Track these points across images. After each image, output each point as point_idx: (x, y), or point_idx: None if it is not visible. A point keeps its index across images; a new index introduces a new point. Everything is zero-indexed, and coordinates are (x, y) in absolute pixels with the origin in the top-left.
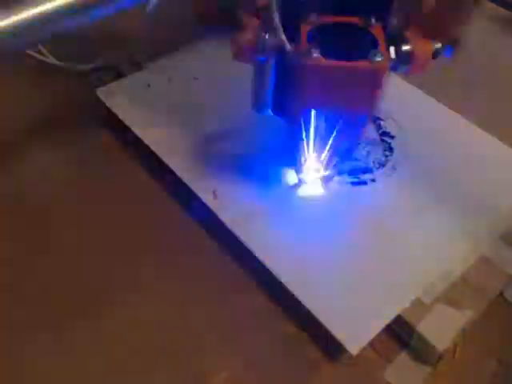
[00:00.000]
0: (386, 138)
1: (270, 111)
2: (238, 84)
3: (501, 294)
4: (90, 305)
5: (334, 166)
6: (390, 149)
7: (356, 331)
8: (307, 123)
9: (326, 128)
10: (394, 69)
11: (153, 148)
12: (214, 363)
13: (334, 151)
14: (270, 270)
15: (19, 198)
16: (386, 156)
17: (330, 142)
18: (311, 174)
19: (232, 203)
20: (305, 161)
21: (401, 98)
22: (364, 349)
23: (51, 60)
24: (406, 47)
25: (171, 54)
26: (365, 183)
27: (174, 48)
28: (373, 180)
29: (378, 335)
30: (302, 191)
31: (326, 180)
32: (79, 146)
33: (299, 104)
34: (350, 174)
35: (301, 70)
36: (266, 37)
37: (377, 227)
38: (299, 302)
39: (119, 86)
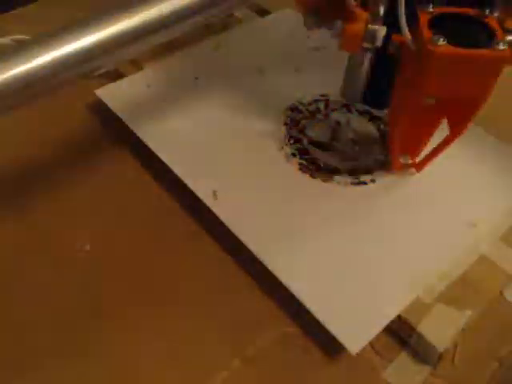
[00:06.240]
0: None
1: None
2: (238, 86)
3: (501, 293)
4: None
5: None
6: None
7: (356, 331)
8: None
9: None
10: None
11: (153, 148)
12: (214, 363)
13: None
14: (270, 270)
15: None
16: (386, 156)
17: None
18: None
19: (232, 203)
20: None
21: None
22: (364, 349)
23: None
24: (510, 37)
25: (171, 54)
26: (364, 183)
27: (174, 48)
28: (372, 180)
29: (378, 335)
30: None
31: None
32: (80, 147)
33: (414, 92)
34: (349, 174)
35: (426, 57)
36: (376, 28)
37: (376, 227)
38: (299, 302)
39: (119, 87)
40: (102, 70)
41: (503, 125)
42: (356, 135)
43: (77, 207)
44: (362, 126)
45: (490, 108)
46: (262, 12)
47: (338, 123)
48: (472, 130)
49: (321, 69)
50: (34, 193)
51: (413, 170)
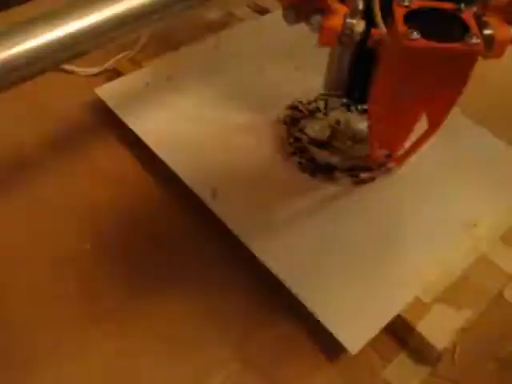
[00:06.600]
0: None
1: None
2: (238, 84)
3: (501, 294)
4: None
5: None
6: None
7: (356, 331)
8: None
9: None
10: None
11: (152, 147)
12: (214, 363)
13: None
14: (270, 269)
15: None
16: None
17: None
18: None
19: (232, 202)
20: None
21: None
22: (364, 349)
23: None
24: (487, 31)
25: (171, 54)
26: (364, 182)
27: (174, 47)
28: (373, 179)
29: (378, 335)
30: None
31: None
32: (79, 146)
33: (388, 86)
34: (349, 173)
35: (400, 51)
36: (354, 22)
37: (377, 227)
38: (299, 302)
39: (118, 85)
40: (102, 68)
41: (503, 125)
42: (355, 134)
43: (76, 207)
44: (362, 124)
45: (490, 108)
46: (262, 11)
47: (338, 122)
48: (472, 130)
49: (321, 68)
50: (33, 192)
51: (392, 163)
